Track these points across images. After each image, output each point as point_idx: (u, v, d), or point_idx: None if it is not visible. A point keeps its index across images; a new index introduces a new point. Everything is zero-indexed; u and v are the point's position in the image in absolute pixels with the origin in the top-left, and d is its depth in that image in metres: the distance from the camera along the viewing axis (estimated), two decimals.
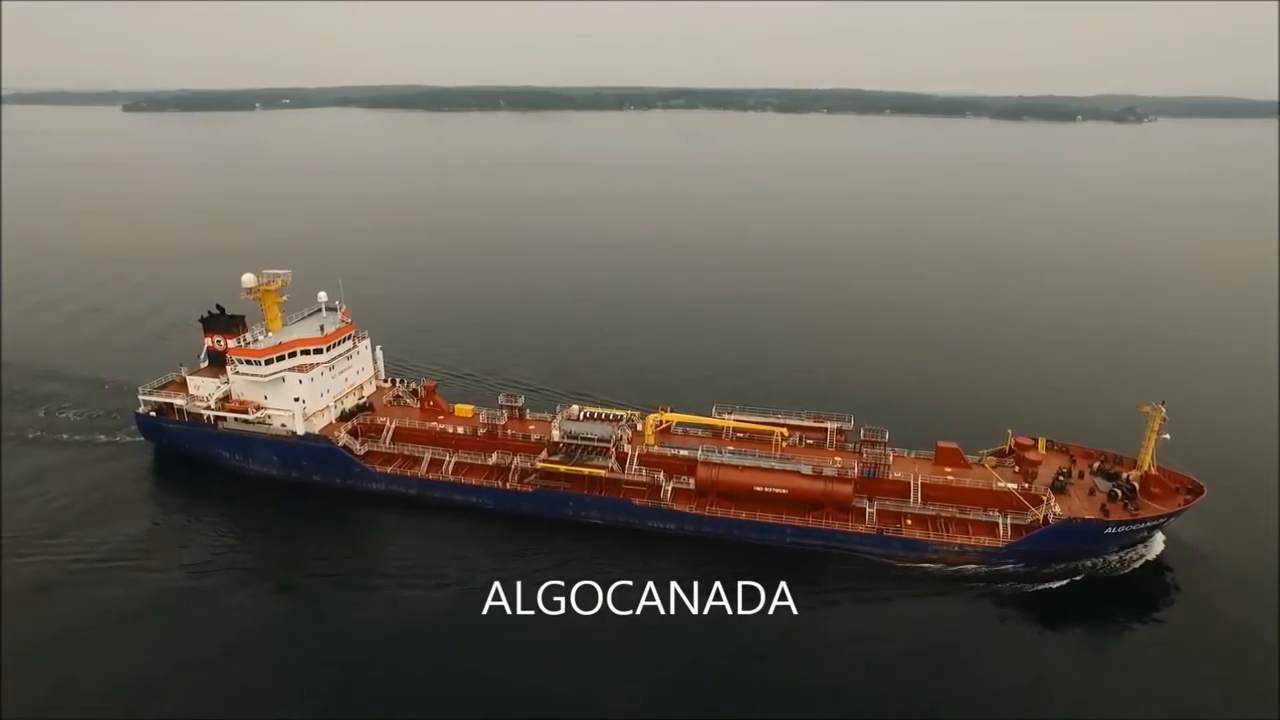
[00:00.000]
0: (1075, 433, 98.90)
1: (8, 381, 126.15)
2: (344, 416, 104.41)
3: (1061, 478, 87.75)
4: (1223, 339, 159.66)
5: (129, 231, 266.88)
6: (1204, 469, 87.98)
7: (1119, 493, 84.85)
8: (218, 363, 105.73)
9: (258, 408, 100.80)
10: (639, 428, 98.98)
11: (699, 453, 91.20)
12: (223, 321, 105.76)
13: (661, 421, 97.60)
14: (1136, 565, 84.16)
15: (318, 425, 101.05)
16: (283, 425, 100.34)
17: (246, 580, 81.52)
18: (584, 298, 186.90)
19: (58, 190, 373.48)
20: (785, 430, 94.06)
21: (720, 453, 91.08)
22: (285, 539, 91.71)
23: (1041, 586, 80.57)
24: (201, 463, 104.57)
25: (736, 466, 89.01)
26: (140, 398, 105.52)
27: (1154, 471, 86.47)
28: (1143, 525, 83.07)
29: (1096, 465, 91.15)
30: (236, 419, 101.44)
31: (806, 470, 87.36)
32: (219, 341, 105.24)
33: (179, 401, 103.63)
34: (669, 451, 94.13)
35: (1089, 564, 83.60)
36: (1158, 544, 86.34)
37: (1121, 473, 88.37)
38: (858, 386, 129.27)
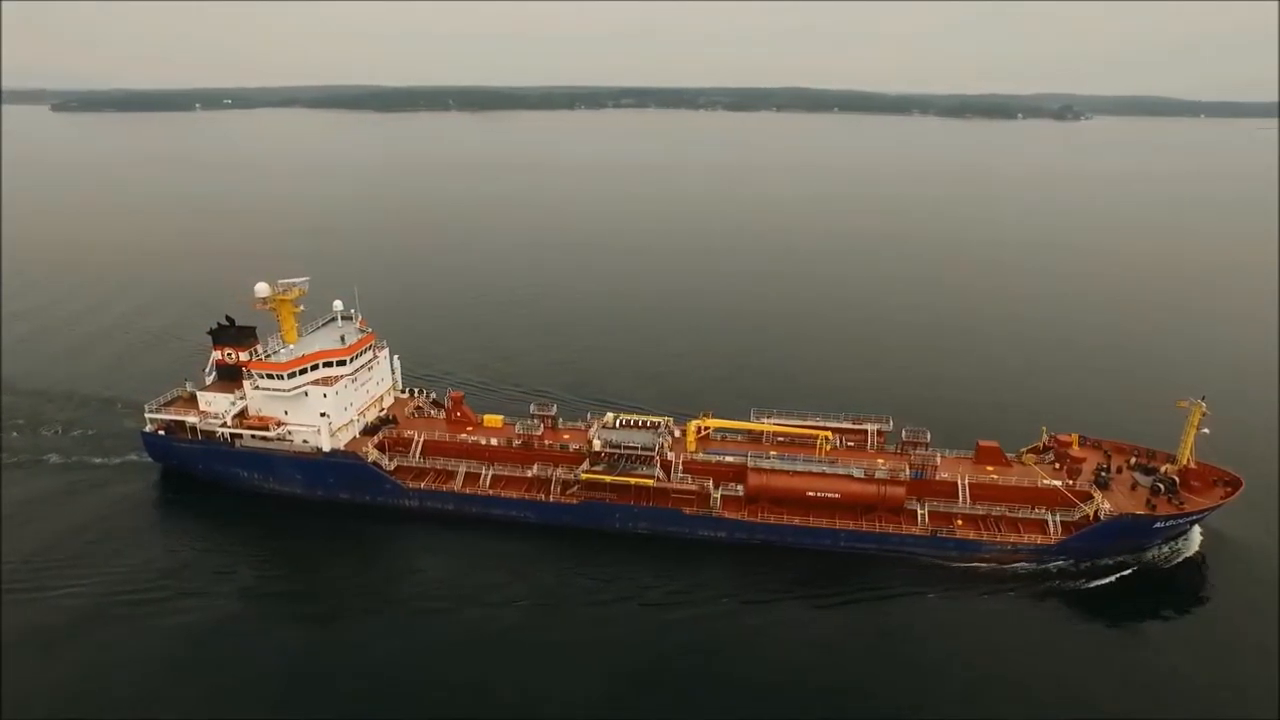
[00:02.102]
0: (1101, 428, 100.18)
1: None
2: (368, 430, 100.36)
3: (1104, 473, 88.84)
4: (1226, 337, 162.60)
5: (86, 239, 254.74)
6: (1230, 462, 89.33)
7: (1161, 487, 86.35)
8: (228, 377, 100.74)
9: (278, 424, 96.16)
10: (676, 434, 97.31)
11: (748, 459, 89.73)
12: (234, 334, 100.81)
13: (703, 427, 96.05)
14: (1179, 560, 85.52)
15: (343, 440, 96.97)
16: (305, 441, 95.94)
17: (279, 609, 77.26)
18: (587, 300, 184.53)
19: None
20: (829, 434, 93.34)
21: (769, 458, 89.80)
22: (316, 562, 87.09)
23: (1095, 583, 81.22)
24: (216, 483, 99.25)
25: (788, 472, 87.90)
26: (147, 416, 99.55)
27: (1192, 465, 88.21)
28: (1187, 519, 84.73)
29: (1133, 460, 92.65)
30: (255, 436, 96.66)
31: (859, 474, 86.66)
32: (230, 355, 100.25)
33: (191, 419, 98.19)
34: (714, 458, 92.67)
35: (1134, 558, 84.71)
36: (1195, 538, 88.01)
37: (1159, 467, 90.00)
38: (883, 387, 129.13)
